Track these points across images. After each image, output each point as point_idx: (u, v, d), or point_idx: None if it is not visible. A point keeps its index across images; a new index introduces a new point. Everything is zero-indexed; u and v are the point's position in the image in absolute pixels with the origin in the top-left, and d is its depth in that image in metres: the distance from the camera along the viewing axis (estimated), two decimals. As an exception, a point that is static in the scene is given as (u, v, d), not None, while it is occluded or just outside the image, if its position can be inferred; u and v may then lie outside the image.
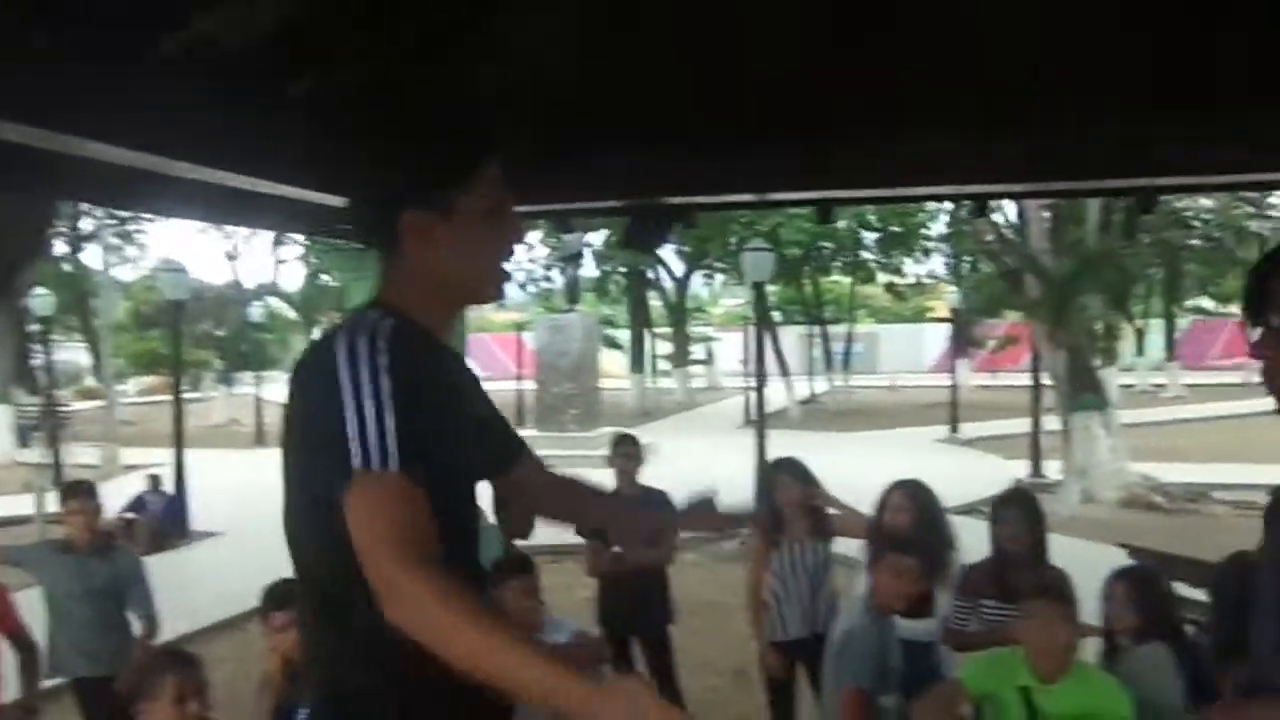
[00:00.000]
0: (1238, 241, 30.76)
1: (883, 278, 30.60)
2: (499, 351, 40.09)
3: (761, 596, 4.49)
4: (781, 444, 17.49)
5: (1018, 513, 3.95)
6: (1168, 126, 3.27)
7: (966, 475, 12.84)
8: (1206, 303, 41.06)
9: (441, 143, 1.62)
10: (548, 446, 16.36)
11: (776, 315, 32.61)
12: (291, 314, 30.53)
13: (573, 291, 19.94)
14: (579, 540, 5.04)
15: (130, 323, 33.27)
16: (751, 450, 11.93)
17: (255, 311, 28.06)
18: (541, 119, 3.24)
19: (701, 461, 13.25)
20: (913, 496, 4.13)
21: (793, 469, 4.59)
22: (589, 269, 29.61)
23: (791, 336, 34.77)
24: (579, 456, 8.43)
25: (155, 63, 2.08)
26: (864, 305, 41.48)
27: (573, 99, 3.21)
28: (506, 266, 1.68)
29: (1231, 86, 3.11)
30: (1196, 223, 29.61)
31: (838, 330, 30.40)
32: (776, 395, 26.66)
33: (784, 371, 26.07)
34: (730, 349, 34.89)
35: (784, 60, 3.14)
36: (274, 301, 31.24)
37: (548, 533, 7.56)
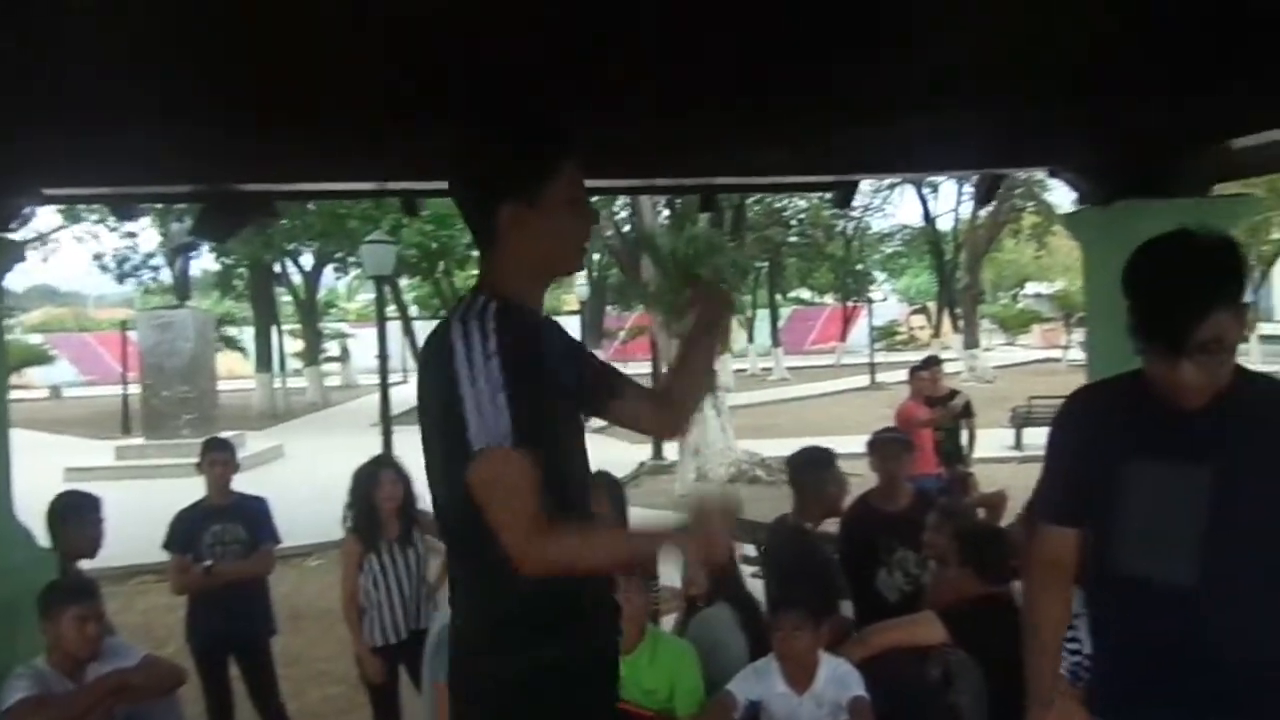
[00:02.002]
0: (827, 238, 34.76)
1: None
2: (103, 352, 36.05)
3: (358, 601, 4.34)
4: (416, 439, 17.37)
5: (601, 495, 4.13)
6: (726, 129, 3.57)
7: (593, 461, 13.23)
8: (805, 294, 46.02)
9: (531, 142, 1.82)
10: (158, 455, 15.13)
11: (414, 310, 32.12)
12: None
13: (183, 286, 18.30)
14: (166, 557, 4.66)
15: None
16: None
17: None
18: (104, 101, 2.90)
19: (333, 462, 12.69)
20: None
21: (392, 467, 4.48)
22: (209, 262, 27.53)
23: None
24: (193, 465, 7.91)
25: None
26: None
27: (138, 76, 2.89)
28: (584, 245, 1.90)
29: (781, 97, 3.43)
30: (794, 221, 33.07)
31: (476, 324, 30.37)
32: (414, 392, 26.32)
33: (422, 367, 25.71)
34: (367, 346, 33.80)
35: (348, 51, 3.04)
36: None
37: (135, 549, 6.96)
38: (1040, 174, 15.71)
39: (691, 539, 1.74)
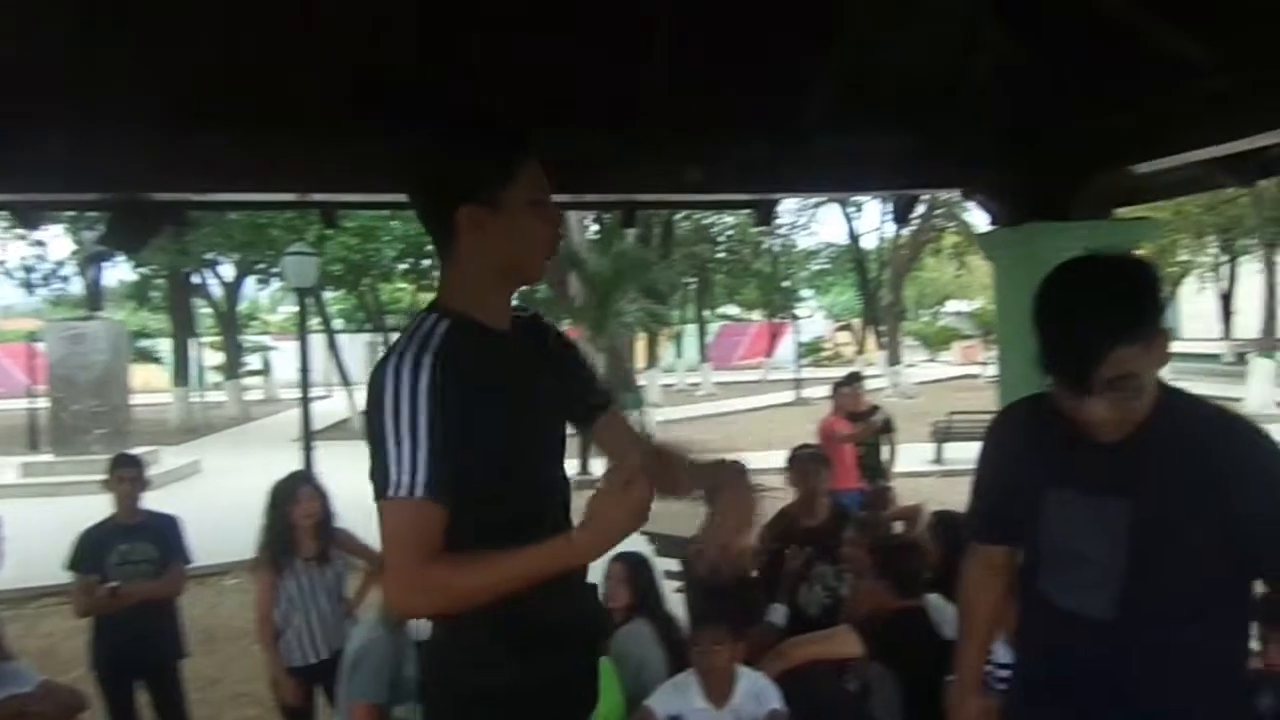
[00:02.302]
0: (755, 256, 35.17)
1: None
2: (9, 365, 34.71)
3: (273, 621, 4.23)
4: (339, 454, 16.97)
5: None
6: (646, 146, 3.60)
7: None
8: (733, 310, 46.43)
9: (490, 142, 1.77)
10: (68, 472, 14.62)
11: (339, 323, 31.58)
12: None
13: (95, 296, 17.73)
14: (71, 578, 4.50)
15: None
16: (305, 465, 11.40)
17: None
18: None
19: (253, 478, 12.40)
20: None
21: (310, 483, 4.40)
22: (125, 273, 26.74)
23: (357, 345, 33.89)
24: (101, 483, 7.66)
25: None
26: (430, 312, 41.46)
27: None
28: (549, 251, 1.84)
29: (697, 116, 3.48)
30: (722, 239, 33.41)
31: (403, 337, 29.97)
32: (339, 405, 25.86)
33: (345, 381, 25.29)
34: (290, 359, 33.16)
35: (268, 59, 3.00)
36: None
37: (41, 570, 6.70)
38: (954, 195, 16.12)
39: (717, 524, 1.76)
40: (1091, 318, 1.76)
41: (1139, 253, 1.96)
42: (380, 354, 1.76)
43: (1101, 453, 1.86)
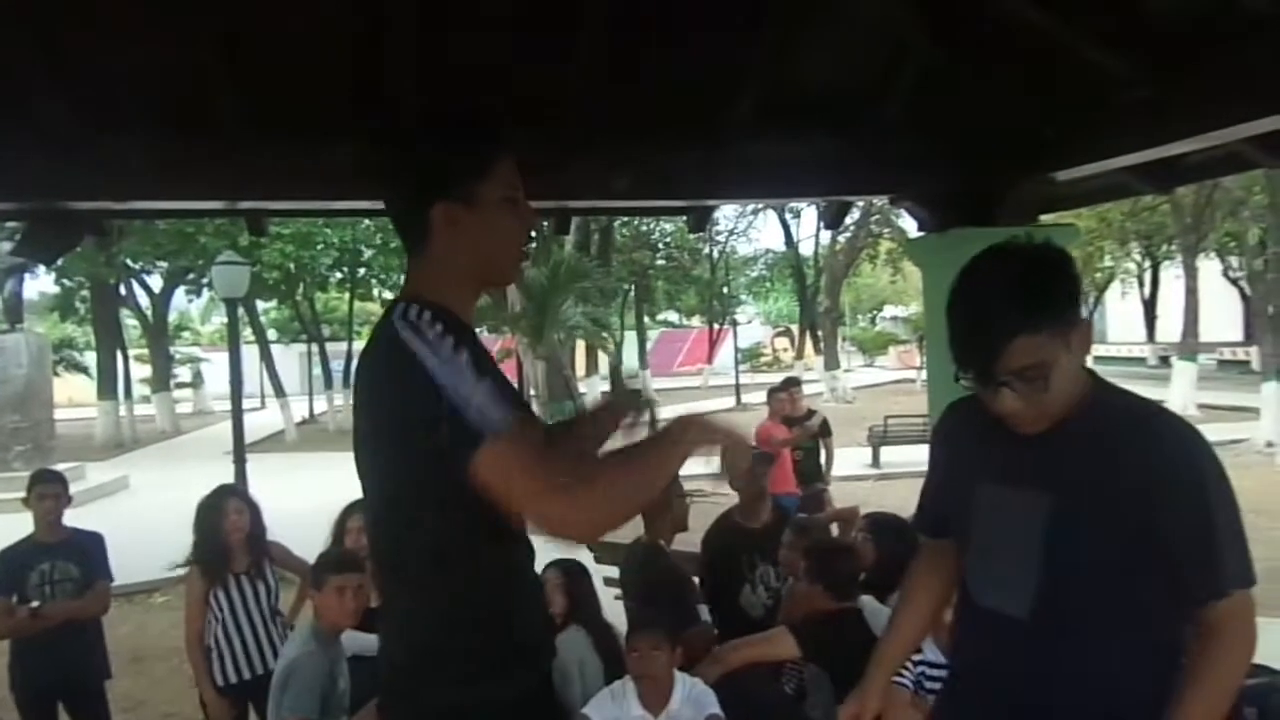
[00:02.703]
0: (694, 262, 35.37)
1: (388, 295, 30.41)
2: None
3: (204, 639, 4.12)
4: (273, 467, 16.71)
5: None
6: (578, 150, 3.59)
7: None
8: (672, 316, 46.62)
9: (465, 137, 1.76)
10: (-14, 490, 14.09)
11: (272, 334, 31.01)
12: None
13: (14, 309, 17.17)
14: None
15: None
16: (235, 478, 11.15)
17: None
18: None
19: (183, 493, 12.10)
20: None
21: (238, 495, 4.31)
22: (47, 284, 25.95)
23: (291, 355, 33.28)
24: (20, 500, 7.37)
25: None
26: (368, 322, 40.97)
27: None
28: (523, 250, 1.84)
29: (626, 121, 3.47)
30: (660, 245, 33.54)
31: (338, 348, 29.65)
32: (273, 417, 25.38)
33: (279, 392, 24.84)
34: (223, 371, 32.46)
35: (191, 62, 2.94)
36: None
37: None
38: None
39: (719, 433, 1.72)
40: (992, 308, 1.73)
41: (1054, 245, 1.81)
42: (368, 355, 1.71)
43: (1026, 446, 1.83)
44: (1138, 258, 32.60)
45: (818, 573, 3.59)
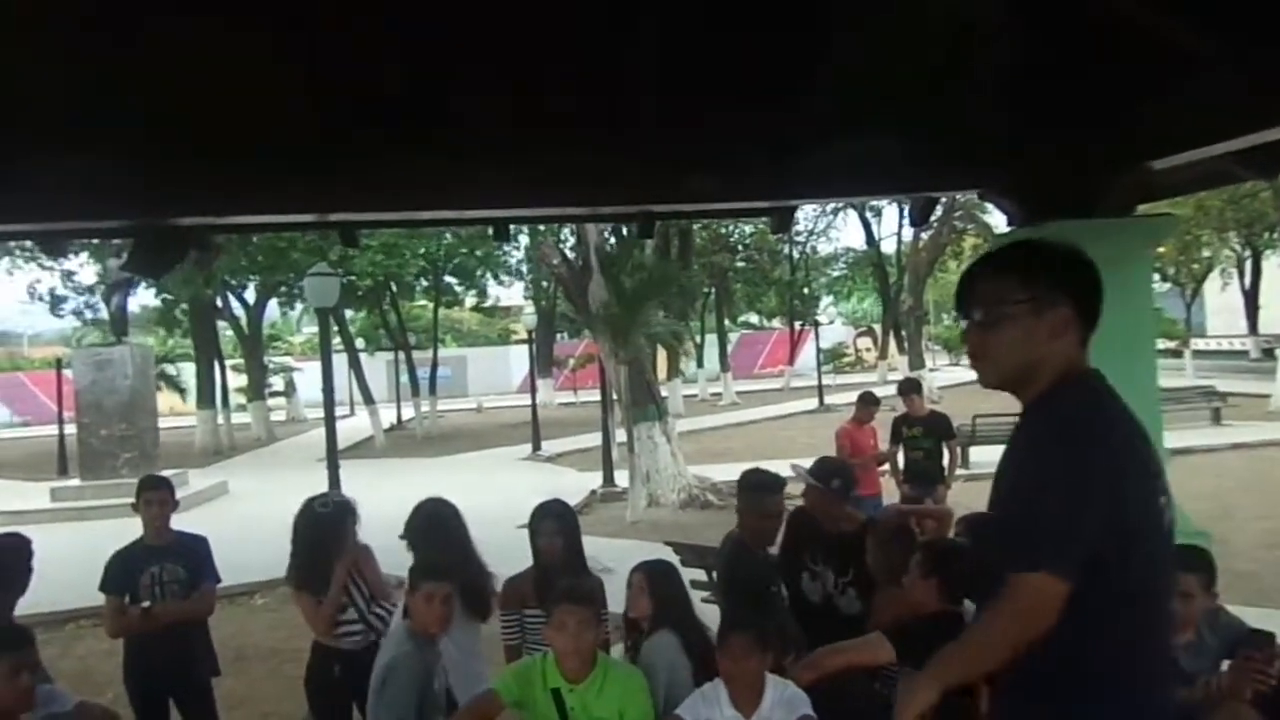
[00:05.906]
0: (773, 263, 35.13)
1: (471, 300, 30.92)
2: (37, 391, 35.08)
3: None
4: (365, 473, 17.09)
5: (552, 524, 4.10)
6: (662, 156, 3.61)
7: (546, 490, 13.13)
8: (753, 318, 46.39)
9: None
10: (96, 496, 14.74)
11: (360, 343, 31.75)
12: None
13: (121, 322, 17.90)
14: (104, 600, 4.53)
15: None
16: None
17: None
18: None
19: (279, 499, 12.49)
20: (443, 524, 4.21)
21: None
22: (148, 298, 26.99)
23: (378, 364, 34.06)
24: (130, 506, 7.64)
25: None
26: (451, 329, 41.71)
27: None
28: None
29: (713, 127, 3.48)
30: (740, 247, 33.40)
31: (424, 355, 30.29)
32: (362, 424, 26.00)
33: (368, 400, 25.45)
34: (314, 379, 33.43)
35: (280, 82, 3.03)
36: None
37: (73, 593, 6.77)
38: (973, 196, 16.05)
39: None
40: (982, 259, 2.08)
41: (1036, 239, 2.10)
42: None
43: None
44: (1237, 246, 31.30)
45: (934, 568, 3.49)
